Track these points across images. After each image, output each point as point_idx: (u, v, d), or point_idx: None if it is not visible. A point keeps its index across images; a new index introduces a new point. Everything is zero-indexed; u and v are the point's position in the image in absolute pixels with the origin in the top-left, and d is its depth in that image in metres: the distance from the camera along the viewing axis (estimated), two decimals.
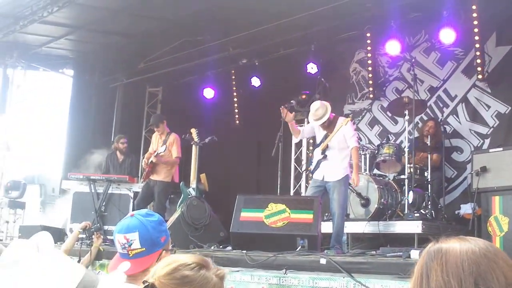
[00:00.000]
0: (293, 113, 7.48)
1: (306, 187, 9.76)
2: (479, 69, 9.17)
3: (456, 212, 8.63)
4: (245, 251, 6.18)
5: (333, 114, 7.52)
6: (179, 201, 8.54)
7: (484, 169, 7.42)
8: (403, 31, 9.84)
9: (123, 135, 10.93)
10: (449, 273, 1.46)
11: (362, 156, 8.61)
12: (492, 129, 9.09)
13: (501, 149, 7.60)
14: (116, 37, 10.93)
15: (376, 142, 9.75)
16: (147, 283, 1.76)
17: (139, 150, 12.29)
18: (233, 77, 12.45)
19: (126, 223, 2.76)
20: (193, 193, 8.44)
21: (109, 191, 9.74)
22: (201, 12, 9.69)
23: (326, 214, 8.13)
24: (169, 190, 9.44)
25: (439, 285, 1.46)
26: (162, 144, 9.14)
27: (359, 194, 8.02)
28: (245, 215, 6.76)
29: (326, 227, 7.60)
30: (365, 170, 8.55)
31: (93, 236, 7.28)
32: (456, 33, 8.99)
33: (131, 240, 2.71)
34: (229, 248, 7.00)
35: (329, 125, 7.41)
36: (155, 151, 9.21)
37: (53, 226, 9.42)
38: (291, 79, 11.24)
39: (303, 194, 10.02)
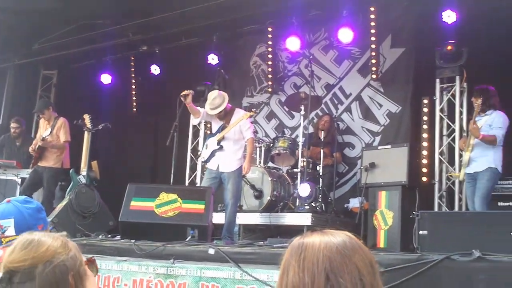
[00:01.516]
0: (191, 94, 7.37)
1: (202, 177, 9.74)
2: (373, 69, 9.47)
3: (345, 205, 8.89)
4: (133, 241, 6.08)
5: (230, 105, 7.54)
6: (68, 189, 8.29)
7: (372, 165, 7.70)
8: (304, 28, 9.98)
9: (18, 117, 10.43)
10: (304, 270, 1.50)
11: (258, 149, 8.67)
12: (383, 127, 9.42)
13: (389, 146, 7.92)
14: (8, 14, 10.34)
15: (273, 135, 9.84)
16: None
17: (30, 134, 11.79)
18: (132, 63, 12.19)
19: (1, 209, 2.64)
20: (83, 180, 8.22)
21: None
22: None
23: (220, 205, 8.14)
24: (59, 177, 9.11)
25: (296, 280, 1.50)
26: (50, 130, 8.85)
27: (252, 186, 8.09)
28: (136, 204, 6.63)
29: (219, 218, 7.62)
30: (260, 162, 8.62)
31: None
32: (354, 33, 9.22)
33: (5, 227, 2.60)
34: (118, 237, 6.87)
35: (225, 116, 7.43)
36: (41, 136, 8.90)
37: None
38: (191, 69, 11.15)
39: (198, 185, 9.98)
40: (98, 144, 8.93)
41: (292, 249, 1.57)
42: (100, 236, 7.00)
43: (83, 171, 8.33)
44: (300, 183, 8.02)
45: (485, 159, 6.85)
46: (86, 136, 8.55)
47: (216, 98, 7.33)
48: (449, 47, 8.28)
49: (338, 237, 1.56)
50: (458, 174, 7.39)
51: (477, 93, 7.08)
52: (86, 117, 8.61)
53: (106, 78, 11.69)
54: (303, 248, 1.54)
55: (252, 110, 7.88)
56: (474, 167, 6.93)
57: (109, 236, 7.22)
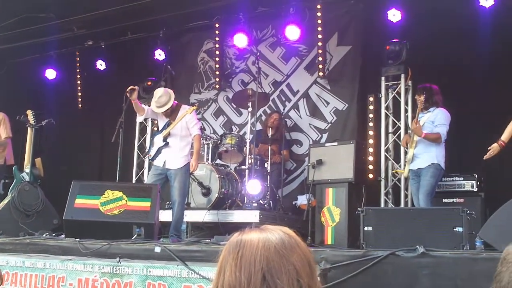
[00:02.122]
0: (136, 90, 7.29)
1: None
2: (320, 66, 9.54)
3: (293, 202, 8.93)
4: (78, 239, 5.98)
5: (176, 102, 7.50)
6: (11, 186, 8.08)
7: (319, 162, 7.76)
8: (251, 25, 10.00)
9: None
10: (241, 269, 1.47)
11: (205, 146, 8.64)
12: (330, 124, 9.50)
13: (336, 143, 7.99)
14: None
15: (221, 132, 9.79)
16: None
17: None
18: (77, 58, 11.93)
19: None
20: (27, 178, 8.02)
21: None
22: None
23: (168, 202, 8.07)
24: (1, 174, 8.87)
25: (232, 280, 1.48)
26: None
27: (200, 183, 8.05)
28: (80, 202, 6.52)
29: (167, 216, 7.56)
30: (208, 159, 8.58)
31: None
32: (301, 30, 9.27)
33: None
34: (63, 236, 6.73)
35: (171, 113, 7.38)
36: None
37: None
38: (138, 64, 11.05)
39: (145, 182, 9.87)
40: (42, 141, 8.71)
41: (230, 247, 1.54)
42: (44, 235, 6.85)
43: (27, 168, 8.14)
44: (248, 180, 8.03)
45: (428, 156, 6.96)
46: (30, 132, 8.34)
47: (162, 96, 7.29)
48: (394, 46, 8.41)
49: (276, 235, 1.53)
50: (403, 171, 7.51)
51: (419, 91, 7.22)
52: (29, 113, 8.40)
53: (50, 73, 11.43)
54: (241, 246, 1.51)
55: (195, 105, 7.87)
56: (418, 163, 7.04)
57: (54, 234, 7.06)
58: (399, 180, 8.36)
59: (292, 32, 9.31)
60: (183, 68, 10.98)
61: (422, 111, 7.15)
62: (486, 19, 7.81)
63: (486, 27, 7.73)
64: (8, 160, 8.82)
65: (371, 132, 8.75)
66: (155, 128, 9.08)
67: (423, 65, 8.43)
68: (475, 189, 7.61)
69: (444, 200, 7.54)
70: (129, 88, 7.20)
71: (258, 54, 9.24)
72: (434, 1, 8.14)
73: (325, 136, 9.48)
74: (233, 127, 9.80)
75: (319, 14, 9.40)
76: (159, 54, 10.42)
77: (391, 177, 8.47)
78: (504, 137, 6.43)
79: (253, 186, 7.96)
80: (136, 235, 6.25)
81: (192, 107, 7.47)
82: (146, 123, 10.55)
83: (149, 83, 10.30)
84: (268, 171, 8.47)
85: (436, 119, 7.01)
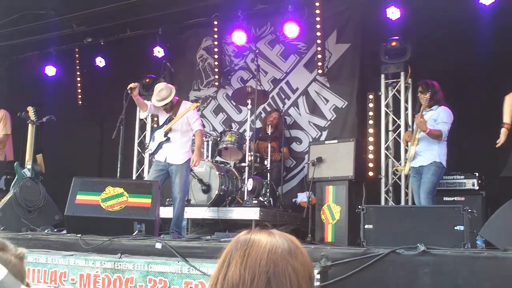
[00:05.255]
0: (137, 87, 7.30)
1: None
2: (319, 64, 9.53)
3: (293, 200, 8.94)
4: (79, 235, 6.00)
5: (177, 98, 7.51)
6: (13, 182, 8.11)
7: (319, 160, 7.77)
8: (250, 22, 10.01)
9: None
10: (246, 267, 1.47)
11: (205, 143, 8.65)
12: (329, 122, 9.50)
13: (336, 141, 8.00)
14: None
15: (220, 129, 9.78)
16: None
17: None
18: (77, 55, 11.94)
19: None
20: (28, 174, 8.05)
21: None
22: None
23: (168, 199, 8.08)
24: (2, 170, 8.90)
25: (235, 276, 1.47)
26: None
27: (200, 180, 8.07)
28: (81, 198, 6.53)
29: (167, 212, 7.58)
30: (207, 156, 8.60)
31: None
32: (299, 28, 9.28)
33: None
34: (64, 231, 6.76)
35: (172, 108, 7.39)
36: None
37: None
38: (137, 61, 11.06)
39: (146, 179, 9.88)
40: (43, 137, 8.72)
41: (238, 243, 1.55)
42: (46, 231, 6.89)
43: (28, 164, 8.16)
44: (248, 178, 8.04)
45: (430, 153, 6.91)
46: (30, 129, 8.37)
47: (163, 90, 7.30)
48: (393, 43, 8.41)
49: (284, 241, 1.54)
50: (403, 168, 7.49)
51: (424, 88, 7.11)
52: (30, 110, 8.42)
53: (50, 70, 11.45)
54: (249, 244, 1.52)
55: (198, 101, 7.87)
56: (420, 161, 6.98)
57: (55, 230, 7.10)
58: (399, 178, 8.37)
59: (291, 30, 9.32)
60: (182, 65, 10.99)
61: (425, 108, 7.10)
62: (486, 17, 7.83)
63: (486, 25, 7.74)
64: (8, 156, 8.85)
65: (371, 130, 8.77)
66: (155, 125, 9.11)
67: (422, 63, 8.44)
68: (476, 187, 7.63)
69: (445, 199, 7.55)
70: (130, 85, 7.20)
71: (257, 51, 9.24)
72: None
73: (324, 133, 9.49)
74: (232, 124, 9.82)
75: (318, 11, 9.38)
76: (158, 51, 10.43)
77: (391, 175, 8.48)
78: (506, 119, 6.45)
79: (253, 184, 7.97)
80: (137, 231, 6.28)
81: (195, 103, 7.47)
82: (146, 120, 10.56)
83: (148, 80, 10.33)
84: (268, 168, 8.48)
85: (439, 117, 6.93)
